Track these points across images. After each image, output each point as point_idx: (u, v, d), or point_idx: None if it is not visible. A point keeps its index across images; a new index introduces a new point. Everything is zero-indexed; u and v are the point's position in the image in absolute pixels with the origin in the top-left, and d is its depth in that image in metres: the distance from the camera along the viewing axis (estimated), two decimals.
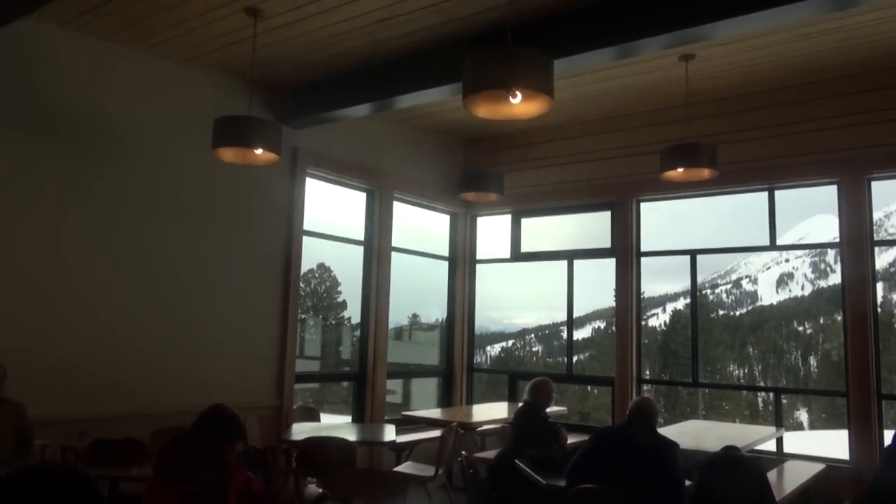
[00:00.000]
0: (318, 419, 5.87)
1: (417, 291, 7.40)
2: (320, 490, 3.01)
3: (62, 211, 4.58)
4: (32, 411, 4.00)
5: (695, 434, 5.20)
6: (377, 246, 6.67)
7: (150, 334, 4.93)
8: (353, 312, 6.85)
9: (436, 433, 5.98)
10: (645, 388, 6.58)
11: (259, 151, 4.30)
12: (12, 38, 4.08)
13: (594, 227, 6.88)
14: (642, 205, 6.58)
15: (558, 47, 4.12)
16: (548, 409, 4.81)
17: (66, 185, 4.59)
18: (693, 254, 6.33)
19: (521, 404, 4.97)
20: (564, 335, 7.25)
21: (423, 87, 4.98)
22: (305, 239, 6.02)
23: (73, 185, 4.62)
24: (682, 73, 5.27)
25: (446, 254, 7.68)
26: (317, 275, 6.87)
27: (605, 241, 6.74)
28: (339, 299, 7.06)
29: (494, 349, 9.47)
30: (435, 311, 7.80)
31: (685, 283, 6.65)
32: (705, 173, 4.85)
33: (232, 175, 5.34)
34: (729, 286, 10.45)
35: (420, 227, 7.49)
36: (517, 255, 7.43)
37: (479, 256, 7.73)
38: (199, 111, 4.98)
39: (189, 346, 5.14)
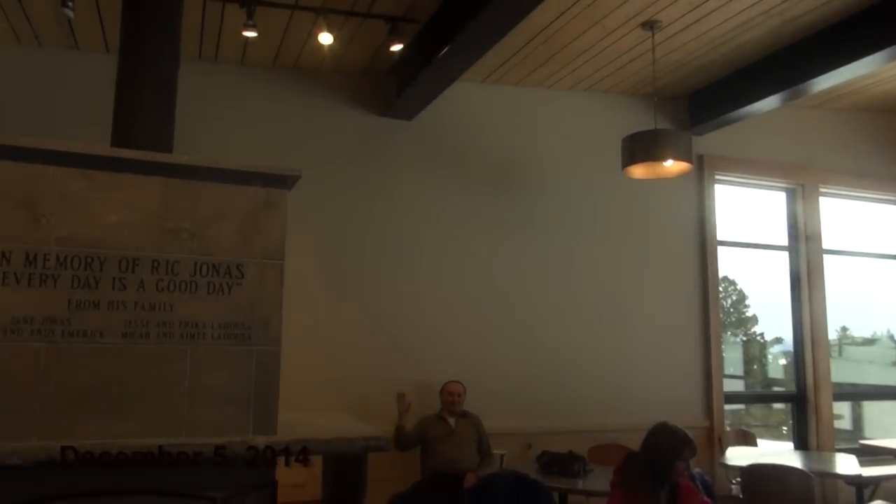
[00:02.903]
0: (754, 443, 5.38)
1: (846, 300, 6.32)
2: None
3: (501, 242, 5.05)
4: (485, 424, 4.49)
5: None
6: (805, 251, 5.93)
7: (582, 357, 5.13)
8: (765, 327, 6.29)
9: None
10: None
11: (669, 163, 4.20)
12: (449, 98, 4.76)
13: None
14: None
15: None
16: None
17: (500, 218, 5.07)
18: None
19: None
20: None
21: (849, 60, 4.30)
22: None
23: (506, 217, 5.09)
24: None
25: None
26: (720, 288, 6.40)
27: None
28: (748, 313, 6.45)
29: None
30: (871, 322, 6.62)
31: None
32: None
33: (640, 192, 5.34)
34: None
35: (853, 222, 6.42)
36: None
37: None
38: (605, 133, 5.10)
39: (617, 367, 5.22)
